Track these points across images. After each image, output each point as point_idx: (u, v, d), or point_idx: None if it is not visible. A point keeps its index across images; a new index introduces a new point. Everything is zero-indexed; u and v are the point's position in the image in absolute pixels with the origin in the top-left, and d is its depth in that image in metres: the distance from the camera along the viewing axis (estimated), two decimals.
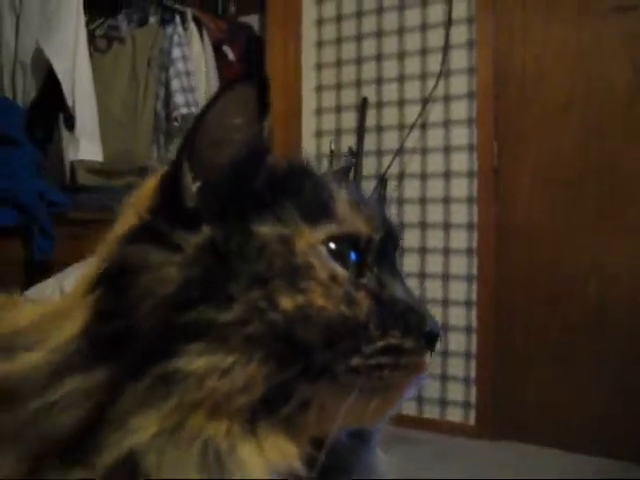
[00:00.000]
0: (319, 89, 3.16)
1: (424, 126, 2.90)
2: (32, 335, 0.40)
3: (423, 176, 2.91)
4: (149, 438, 0.36)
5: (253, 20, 3.27)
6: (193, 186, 0.40)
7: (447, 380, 2.84)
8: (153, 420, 0.36)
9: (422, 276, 2.90)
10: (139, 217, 0.40)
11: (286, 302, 0.38)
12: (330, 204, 0.43)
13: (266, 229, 0.40)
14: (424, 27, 2.89)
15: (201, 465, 0.36)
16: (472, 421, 2.82)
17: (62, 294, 1.64)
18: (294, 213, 0.41)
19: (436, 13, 2.86)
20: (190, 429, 0.37)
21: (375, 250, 0.44)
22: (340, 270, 0.42)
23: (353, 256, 0.42)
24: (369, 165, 2.96)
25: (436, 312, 2.86)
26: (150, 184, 0.43)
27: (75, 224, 2.14)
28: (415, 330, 0.43)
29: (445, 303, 2.86)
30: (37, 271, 1.93)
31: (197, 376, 0.37)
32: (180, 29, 2.65)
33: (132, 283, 0.38)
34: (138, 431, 0.36)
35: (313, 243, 0.41)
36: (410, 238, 2.93)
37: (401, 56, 2.95)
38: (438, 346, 0.45)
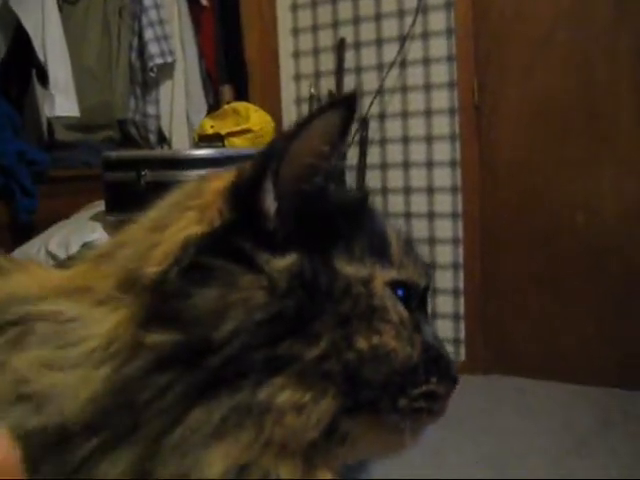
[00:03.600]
0: (295, 31, 3.11)
1: (403, 64, 2.87)
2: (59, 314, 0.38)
3: (404, 115, 2.90)
4: (216, 475, 0.34)
5: None
6: (272, 207, 0.39)
7: (436, 317, 2.89)
8: (222, 455, 0.34)
9: (407, 215, 2.91)
10: (209, 225, 0.38)
11: (362, 342, 0.39)
12: (388, 245, 0.44)
13: (350, 270, 0.40)
14: None
15: None
16: (463, 357, 2.88)
17: (48, 254, 1.62)
18: (366, 251, 0.42)
19: None
20: (259, 469, 0.35)
21: (419, 296, 0.46)
22: (406, 313, 0.43)
23: (403, 300, 0.44)
24: None
25: (422, 250, 2.89)
26: (214, 186, 0.41)
27: (56, 182, 2.12)
28: (446, 377, 0.45)
29: (431, 241, 2.88)
30: (22, 232, 1.92)
31: (279, 411, 0.36)
32: None
33: (208, 296, 0.36)
34: (206, 465, 0.34)
35: (384, 285, 0.42)
36: (393, 178, 2.93)
37: None
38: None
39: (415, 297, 0.45)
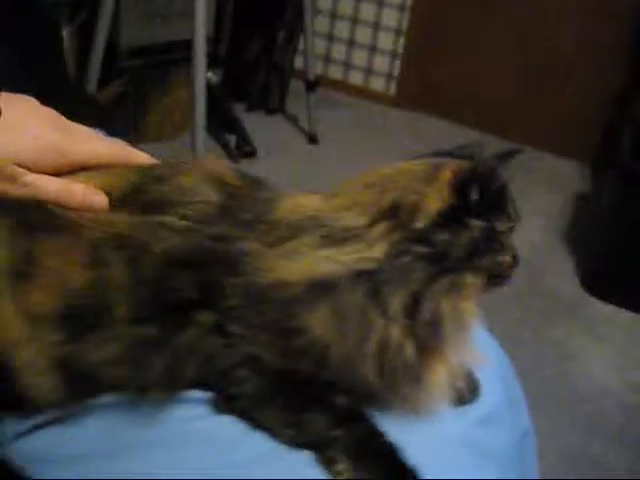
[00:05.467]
0: None
1: None
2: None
3: None
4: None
5: None
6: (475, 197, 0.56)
7: (375, 51, 3.08)
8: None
9: None
10: (444, 202, 0.55)
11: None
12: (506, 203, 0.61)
13: (500, 225, 0.58)
14: None
15: None
16: (393, 91, 3.13)
17: None
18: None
19: None
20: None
21: None
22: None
23: None
24: None
25: None
26: (444, 176, 0.56)
27: None
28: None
29: None
30: None
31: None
32: None
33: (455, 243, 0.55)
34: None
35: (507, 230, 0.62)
36: None
37: None
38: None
39: None
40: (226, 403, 0.56)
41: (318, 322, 0.52)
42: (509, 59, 2.88)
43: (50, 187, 0.57)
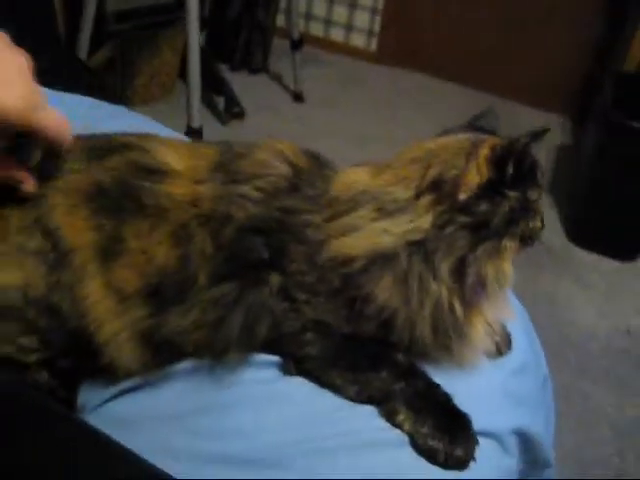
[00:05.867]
0: None
1: None
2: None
3: None
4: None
5: None
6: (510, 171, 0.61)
7: (355, 8, 3.08)
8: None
9: None
10: (482, 176, 0.60)
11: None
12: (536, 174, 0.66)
13: (533, 194, 0.63)
14: None
15: None
16: (374, 47, 3.15)
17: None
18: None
19: None
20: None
21: None
22: None
23: None
24: None
25: None
26: (484, 153, 0.60)
27: None
28: None
29: None
30: None
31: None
32: None
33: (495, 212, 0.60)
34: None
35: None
36: None
37: None
38: None
39: None
40: (295, 365, 0.61)
41: (383, 290, 0.58)
42: (488, 12, 2.90)
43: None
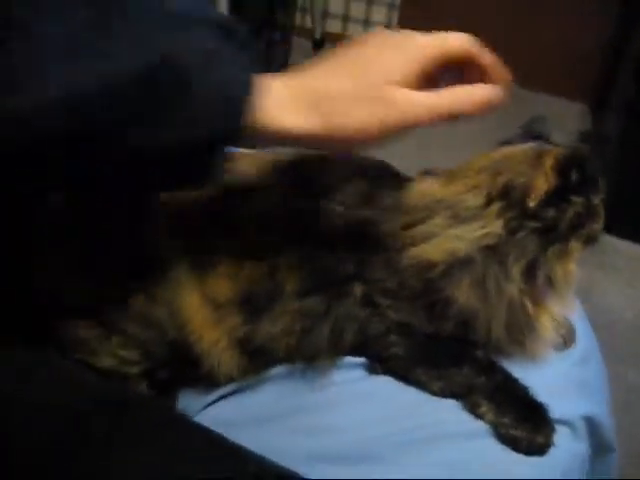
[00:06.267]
0: None
1: None
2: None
3: None
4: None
5: None
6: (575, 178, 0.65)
7: (372, 3, 3.11)
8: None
9: None
10: (549, 184, 0.63)
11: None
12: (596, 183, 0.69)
13: (595, 199, 0.68)
14: None
15: None
16: (395, 21, 3.16)
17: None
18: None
19: None
20: None
21: None
22: None
23: None
24: None
25: None
26: (549, 163, 0.64)
27: None
28: None
29: None
30: None
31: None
32: None
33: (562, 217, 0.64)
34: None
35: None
36: None
37: None
38: None
39: None
40: (381, 365, 0.66)
41: (462, 293, 0.63)
42: (504, 1, 2.93)
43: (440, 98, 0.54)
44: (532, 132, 0.77)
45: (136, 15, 0.46)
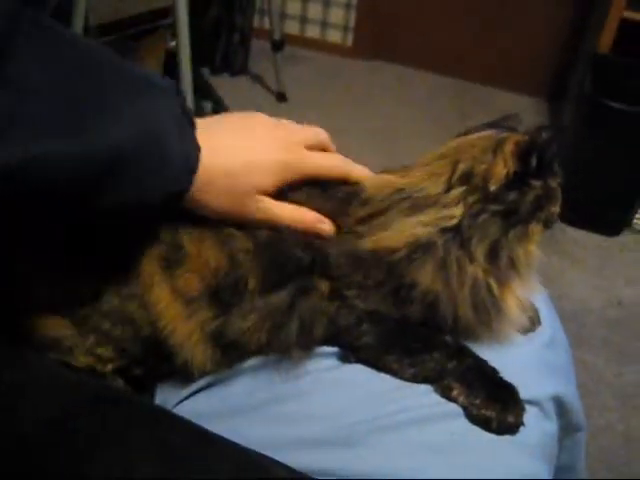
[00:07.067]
0: None
1: None
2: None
3: None
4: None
5: None
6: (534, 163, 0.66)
7: (329, 5, 3.13)
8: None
9: None
10: (508, 169, 0.66)
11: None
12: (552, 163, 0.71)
13: (552, 182, 0.70)
14: None
15: None
16: (350, 42, 3.20)
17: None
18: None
19: None
20: None
21: None
22: None
23: None
24: None
25: None
26: (509, 149, 0.66)
27: None
28: None
29: None
30: None
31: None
32: None
33: (523, 200, 0.66)
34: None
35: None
36: None
37: None
38: None
39: None
40: (353, 354, 0.67)
41: (425, 276, 0.64)
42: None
43: (285, 213, 0.65)
44: (496, 124, 0.78)
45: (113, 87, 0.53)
